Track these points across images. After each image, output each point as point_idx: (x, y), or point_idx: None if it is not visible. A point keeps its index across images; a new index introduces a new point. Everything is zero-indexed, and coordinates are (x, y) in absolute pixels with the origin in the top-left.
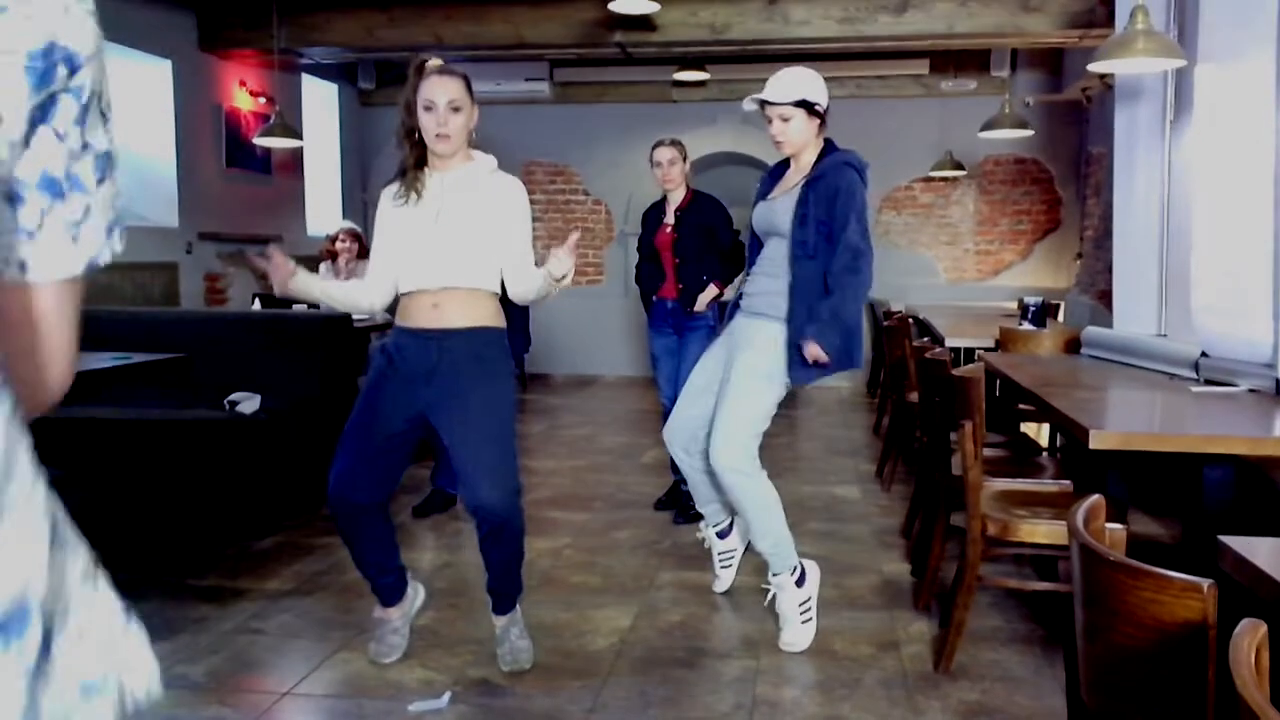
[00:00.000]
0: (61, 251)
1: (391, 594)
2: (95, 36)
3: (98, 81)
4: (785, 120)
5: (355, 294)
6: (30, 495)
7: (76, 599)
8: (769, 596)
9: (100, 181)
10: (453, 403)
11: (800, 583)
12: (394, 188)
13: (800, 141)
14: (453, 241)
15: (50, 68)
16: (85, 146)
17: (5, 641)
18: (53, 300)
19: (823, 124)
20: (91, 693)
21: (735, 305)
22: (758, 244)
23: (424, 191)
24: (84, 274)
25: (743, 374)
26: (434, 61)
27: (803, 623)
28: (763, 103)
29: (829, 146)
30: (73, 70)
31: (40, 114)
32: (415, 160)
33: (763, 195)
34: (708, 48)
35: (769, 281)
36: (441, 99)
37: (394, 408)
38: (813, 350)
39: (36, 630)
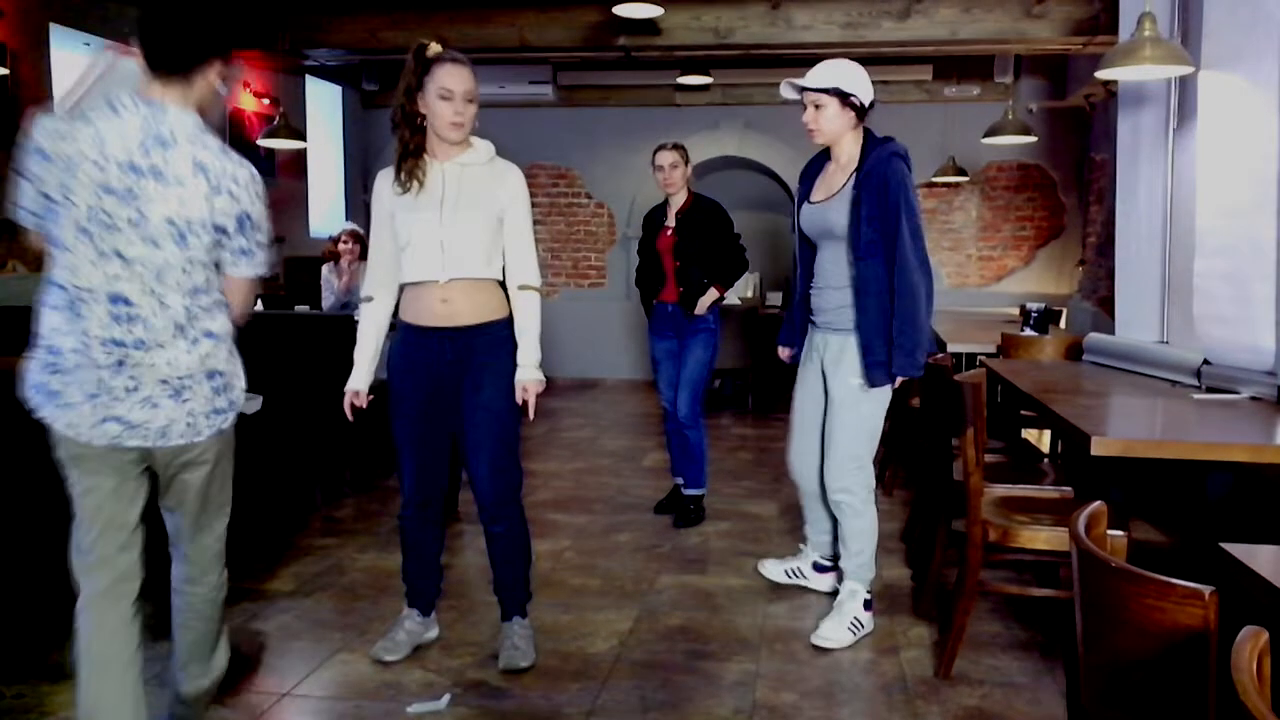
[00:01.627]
0: (247, 270)
1: (424, 597)
2: (260, 202)
3: (259, 215)
4: (818, 108)
5: (375, 323)
6: (227, 350)
7: (232, 374)
8: (837, 593)
9: (260, 246)
10: (465, 397)
11: (867, 607)
12: (393, 173)
13: (832, 131)
14: (461, 232)
15: (242, 216)
16: (257, 239)
17: (210, 378)
18: (242, 284)
19: (861, 117)
20: (234, 405)
21: (795, 318)
22: (807, 247)
23: (425, 180)
24: (254, 277)
25: (844, 397)
26: (435, 46)
27: (848, 628)
28: (801, 89)
29: (870, 138)
30: (249, 216)
31: (239, 229)
32: (415, 146)
33: (805, 195)
34: (711, 52)
35: (837, 294)
36: (459, 88)
37: (433, 414)
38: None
39: (220, 379)
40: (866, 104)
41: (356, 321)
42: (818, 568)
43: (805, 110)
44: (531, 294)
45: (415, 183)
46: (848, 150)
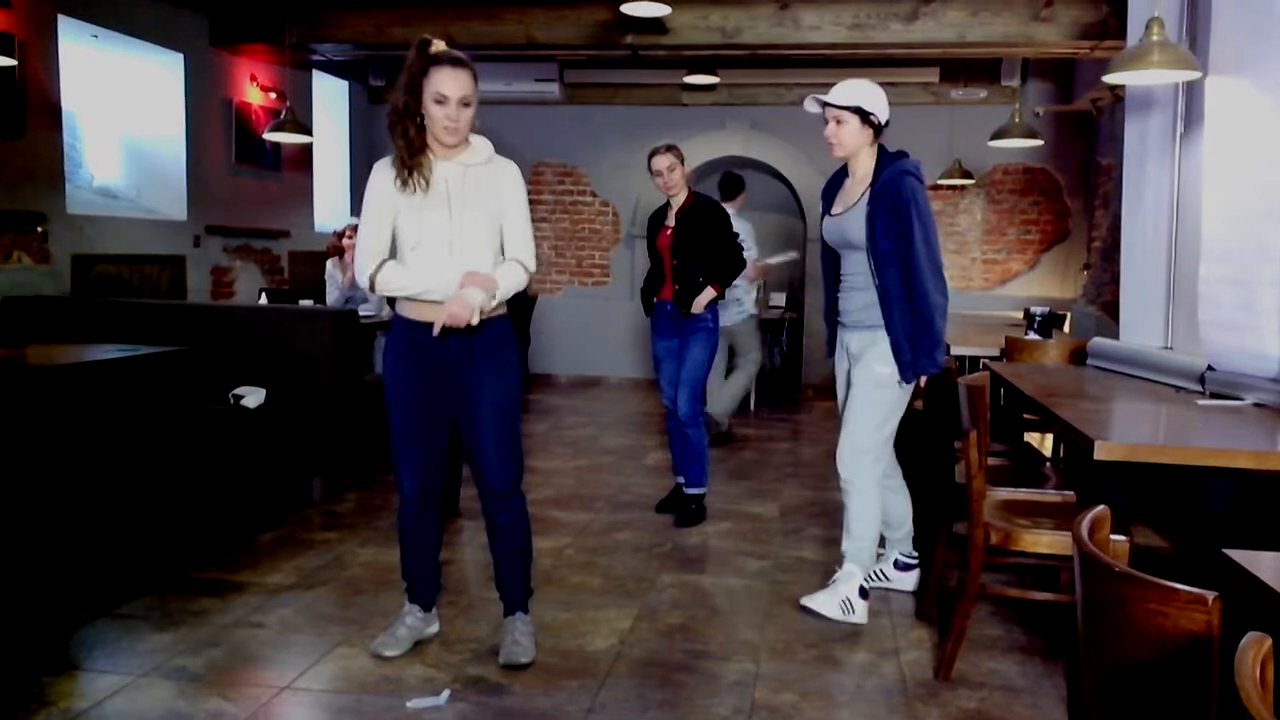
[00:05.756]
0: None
1: (424, 593)
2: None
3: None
4: (840, 123)
5: (402, 265)
6: None
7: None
8: (834, 576)
9: None
10: (469, 392)
11: (863, 595)
12: (391, 166)
13: (851, 146)
14: (469, 233)
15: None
16: None
17: None
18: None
19: (878, 135)
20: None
21: (828, 328)
22: (832, 256)
23: (431, 180)
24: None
25: (863, 383)
26: (439, 44)
27: (839, 605)
28: (824, 104)
29: (884, 153)
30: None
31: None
32: (420, 144)
33: (827, 209)
34: (718, 51)
35: (860, 295)
36: (454, 94)
37: (432, 410)
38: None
39: None
40: (883, 122)
41: (360, 317)
42: (900, 566)
43: (826, 124)
44: (518, 266)
45: (422, 181)
46: (863, 165)
